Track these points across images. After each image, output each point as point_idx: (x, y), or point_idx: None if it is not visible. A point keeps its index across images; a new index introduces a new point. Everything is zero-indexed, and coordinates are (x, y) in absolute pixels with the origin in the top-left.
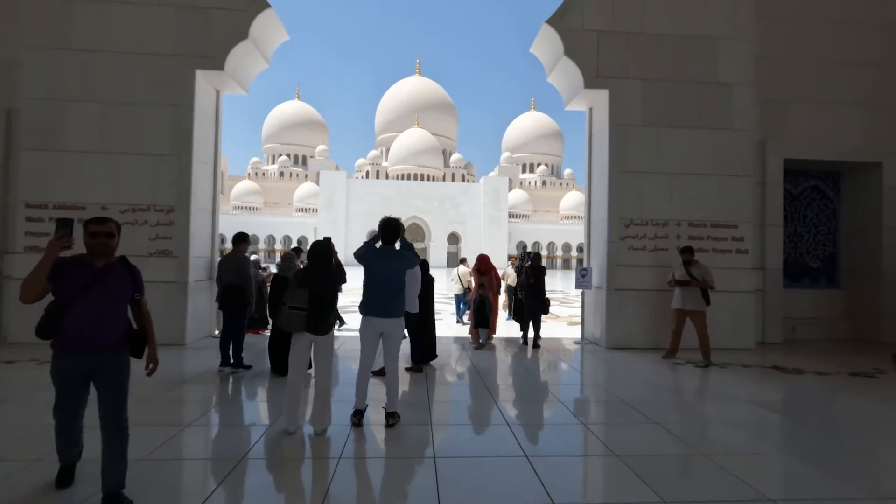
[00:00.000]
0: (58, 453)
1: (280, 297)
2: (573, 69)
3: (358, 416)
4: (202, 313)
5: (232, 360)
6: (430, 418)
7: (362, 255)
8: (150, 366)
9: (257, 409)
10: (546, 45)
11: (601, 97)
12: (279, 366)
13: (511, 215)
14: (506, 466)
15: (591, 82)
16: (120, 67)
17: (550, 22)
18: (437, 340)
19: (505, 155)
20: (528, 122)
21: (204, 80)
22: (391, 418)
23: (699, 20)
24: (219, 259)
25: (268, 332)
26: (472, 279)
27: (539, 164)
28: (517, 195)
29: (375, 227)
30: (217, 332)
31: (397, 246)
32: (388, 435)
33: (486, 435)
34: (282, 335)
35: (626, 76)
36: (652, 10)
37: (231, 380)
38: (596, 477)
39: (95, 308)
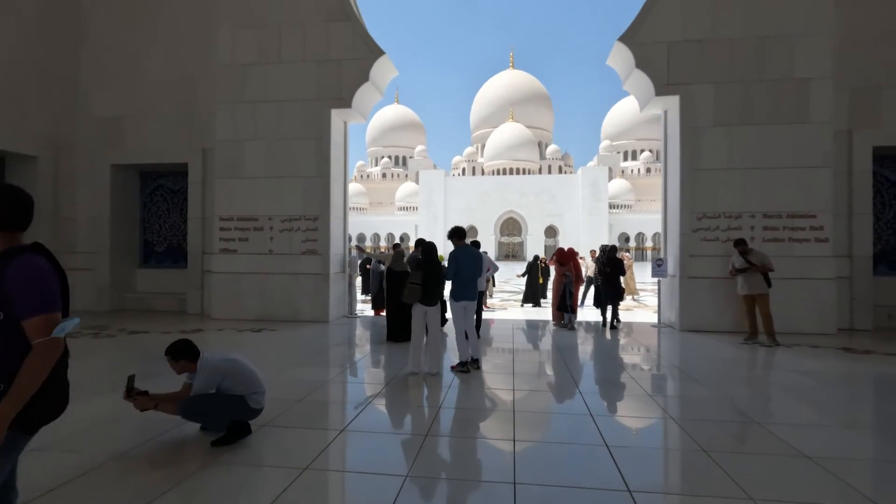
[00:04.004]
0: None
1: (396, 286)
2: (644, 79)
3: (463, 365)
4: (340, 298)
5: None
6: (512, 369)
7: (454, 259)
8: None
9: (387, 360)
10: (620, 58)
11: (673, 102)
12: (394, 334)
13: (612, 206)
14: (566, 400)
15: (661, 90)
16: (278, 112)
17: (622, 39)
18: (518, 322)
19: (604, 143)
20: (629, 108)
21: (336, 116)
22: (477, 363)
23: (774, 20)
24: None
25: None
26: (553, 268)
27: (643, 151)
28: (618, 185)
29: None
30: (349, 313)
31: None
32: (480, 376)
33: (554, 384)
34: (397, 313)
35: (697, 81)
36: (725, 17)
37: (368, 344)
38: (631, 405)
39: None
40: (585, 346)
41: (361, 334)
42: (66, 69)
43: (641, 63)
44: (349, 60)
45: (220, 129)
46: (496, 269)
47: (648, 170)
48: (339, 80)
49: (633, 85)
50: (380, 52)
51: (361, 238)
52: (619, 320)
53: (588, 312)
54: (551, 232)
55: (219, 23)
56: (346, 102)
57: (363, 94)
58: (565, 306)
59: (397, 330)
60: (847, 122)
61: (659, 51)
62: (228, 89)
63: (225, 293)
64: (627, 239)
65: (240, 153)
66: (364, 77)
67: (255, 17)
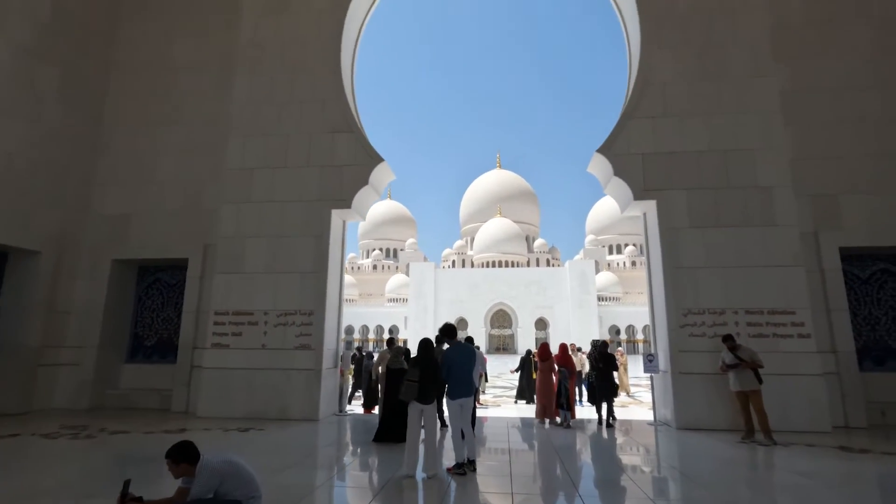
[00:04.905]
0: None
1: (393, 385)
2: (623, 185)
3: (460, 467)
4: (331, 394)
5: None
6: (510, 471)
7: (447, 359)
8: None
9: (381, 462)
10: (599, 166)
11: (651, 205)
12: (382, 434)
13: (600, 298)
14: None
15: (639, 195)
16: (281, 211)
17: (601, 150)
18: (513, 420)
19: (589, 238)
20: (610, 204)
21: (336, 216)
22: (473, 464)
23: (733, 137)
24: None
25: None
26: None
27: (626, 245)
28: (606, 277)
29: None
30: (339, 410)
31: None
32: (477, 479)
33: (553, 487)
34: (391, 413)
35: (671, 188)
36: (690, 133)
37: (361, 445)
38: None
39: None
40: (582, 446)
41: (353, 434)
42: (81, 172)
43: (619, 172)
44: (351, 166)
45: (224, 226)
46: (483, 362)
47: (633, 263)
48: (340, 184)
49: (613, 189)
50: (379, 159)
51: (350, 330)
52: (614, 418)
53: (579, 409)
54: (542, 324)
55: (231, 133)
56: (346, 203)
57: (362, 196)
58: (561, 403)
59: (386, 430)
60: (812, 225)
61: (634, 161)
62: (235, 190)
63: (213, 390)
64: (618, 331)
65: (241, 249)
66: (364, 181)
67: (266, 128)
